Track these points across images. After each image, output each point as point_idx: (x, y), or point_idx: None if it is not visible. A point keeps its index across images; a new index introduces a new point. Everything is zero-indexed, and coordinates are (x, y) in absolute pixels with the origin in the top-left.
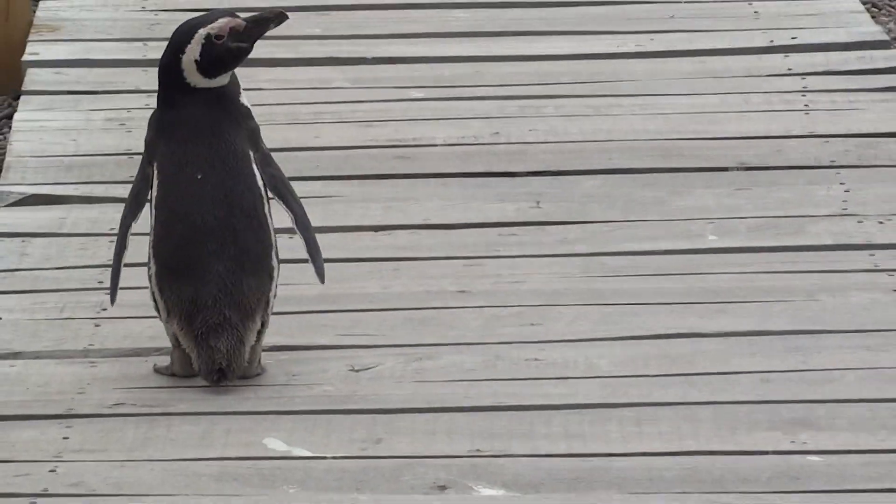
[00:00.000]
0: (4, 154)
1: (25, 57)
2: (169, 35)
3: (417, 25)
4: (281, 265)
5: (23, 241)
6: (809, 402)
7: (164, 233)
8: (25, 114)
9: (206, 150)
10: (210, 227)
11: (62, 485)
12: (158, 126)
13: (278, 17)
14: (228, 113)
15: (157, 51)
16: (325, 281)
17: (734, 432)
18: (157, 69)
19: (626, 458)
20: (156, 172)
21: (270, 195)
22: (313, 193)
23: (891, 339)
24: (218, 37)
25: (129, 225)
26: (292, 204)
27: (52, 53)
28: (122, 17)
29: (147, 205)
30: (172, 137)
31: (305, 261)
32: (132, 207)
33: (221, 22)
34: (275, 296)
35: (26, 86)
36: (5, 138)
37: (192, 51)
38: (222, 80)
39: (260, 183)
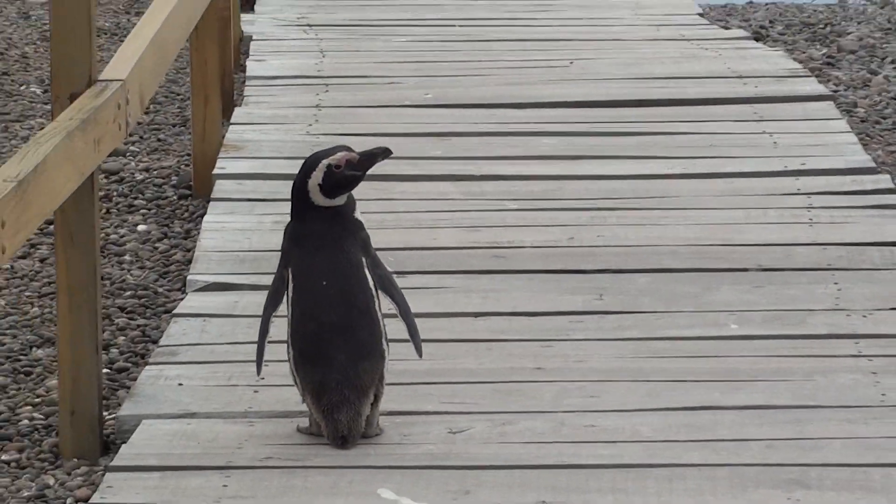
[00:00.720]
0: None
1: (215, 170)
2: None
3: (515, 150)
4: (395, 345)
5: (203, 321)
6: (804, 466)
7: (298, 328)
8: (212, 216)
9: (328, 259)
10: (333, 324)
11: None
12: (291, 236)
13: (384, 152)
14: (345, 227)
15: None
16: (424, 356)
17: (745, 490)
18: None
19: None
20: (290, 276)
21: (380, 292)
22: (428, 285)
23: (869, 413)
24: (337, 166)
25: (270, 315)
26: (397, 297)
27: (236, 168)
28: (291, 139)
29: (284, 299)
30: (302, 247)
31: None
32: (272, 301)
33: (340, 155)
34: (387, 371)
35: (214, 194)
36: (197, 234)
37: (317, 177)
38: (340, 200)
39: (371, 284)
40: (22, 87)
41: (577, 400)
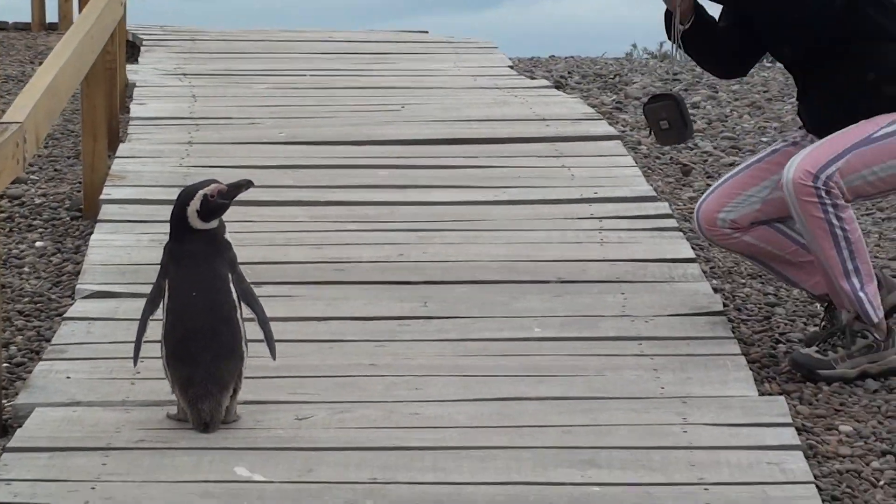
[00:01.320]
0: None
1: (102, 196)
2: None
3: (354, 180)
4: (254, 345)
5: (89, 324)
6: (596, 448)
7: (170, 331)
8: (99, 235)
9: (199, 274)
10: (199, 329)
11: (100, 498)
12: (170, 253)
13: (248, 183)
14: (215, 247)
15: None
16: (277, 358)
17: (545, 469)
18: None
19: (473, 486)
20: (167, 287)
21: (242, 303)
22: (280, 293)
23: (650, 403)
24: (211, 196)
25: (147, 318)
26: (256, 308)
27: (120, 194)
28: (166, 170)
29: (160, 306)
30: (178, 263)
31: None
32: (150, 307)
33: (213, 186)
34: (245, 368)
35: (101, 216)
36: (86, 250)
37: (194, 204)
38: (213, 224)
39: (234, 296)
40: None
41: (404, 392)
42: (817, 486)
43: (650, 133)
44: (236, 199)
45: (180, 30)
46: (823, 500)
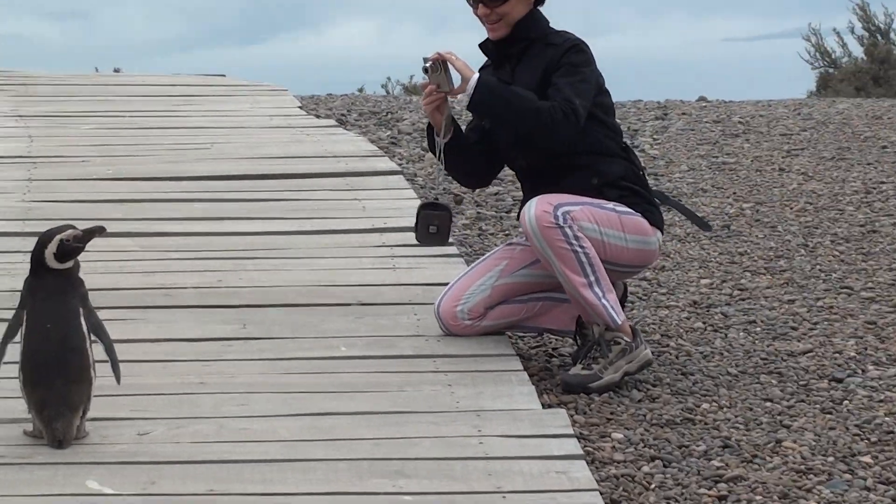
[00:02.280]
0: None
1: None
2: (37, 217)
3: (175, 212)
4: (102, 366)
5: None
6: (403, 460)
7: (26, 359)
8: None
9: (53, 308)
10: (53, 357)
11: None
12: (28, 288)
13: (101, 230)
14: (70, 284)
15: (31, 225)
16: (121, 380)
17: (361, 479)
18: (31, 239)
19: (298, 496)
20: (25, 318)
21: (92, 334)
22: (116, 317)
23: (448, 416)
24: (67, 240)
25: (6, 344)
26: (103, 338)
27: None
28: (11, 204)
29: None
30: (35, 297)
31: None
32: (9, 334)
33: (69, 232)
34: (93, 392)
35: None
36: None
37: (51, 248)
38: (69, 264)
39: (84, 329)
40: None
41: (232, 407)
42: (599, 491)
43: (415, 231)
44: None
45: (13, 74)
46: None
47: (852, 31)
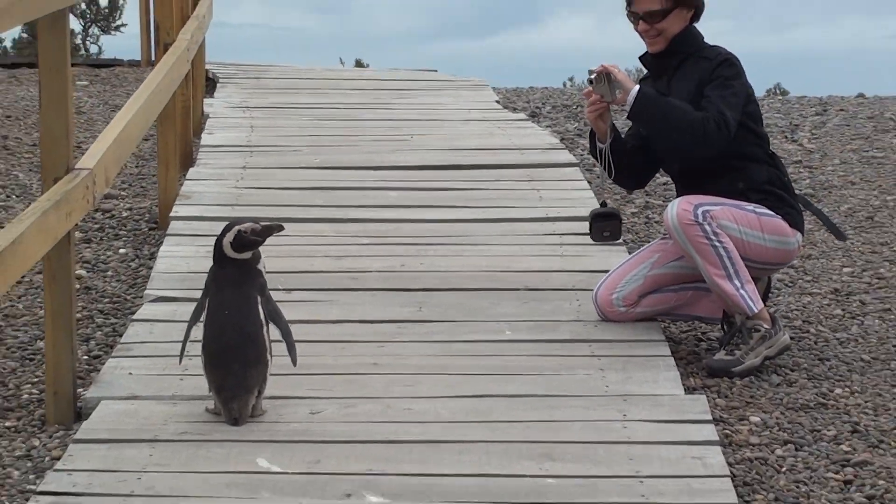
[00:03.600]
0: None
1: (171, 214)
2: (245, 203)
3: (368, 200)
4: (280, 347)
5: (151, 325)
6: (552, 443)
7: (207, 342)
8: (166, 248)
9: (232, 296)
10: (231, 342)
11: (143, 488)
12: (211, 277)
13: (279, 227)
14: (249, 273)
15: (240, 211)
16: (299, 361)
17: (510, 461)
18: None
19: (450, 477)
20: (207, 305)
21: (269, 321)
22: (306, 299)
23: (596, 401)
24: (244, 232)
25: (192, 326)
26: (280, 325)
27: (186, 212)
28: (224, 190)
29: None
30: (217, 285)
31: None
32: (194, 318)
33: (247, 224)
34: (270, 374)
35: (169, 231)
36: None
37: (229, 237)
38: (246, 255)
39: (262, 316)
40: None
41: (400, 388)
42: (732, 475)
43: (590, 234)
44: (268, 217)
45: (248, 68)
46: (736, 486)
47: None
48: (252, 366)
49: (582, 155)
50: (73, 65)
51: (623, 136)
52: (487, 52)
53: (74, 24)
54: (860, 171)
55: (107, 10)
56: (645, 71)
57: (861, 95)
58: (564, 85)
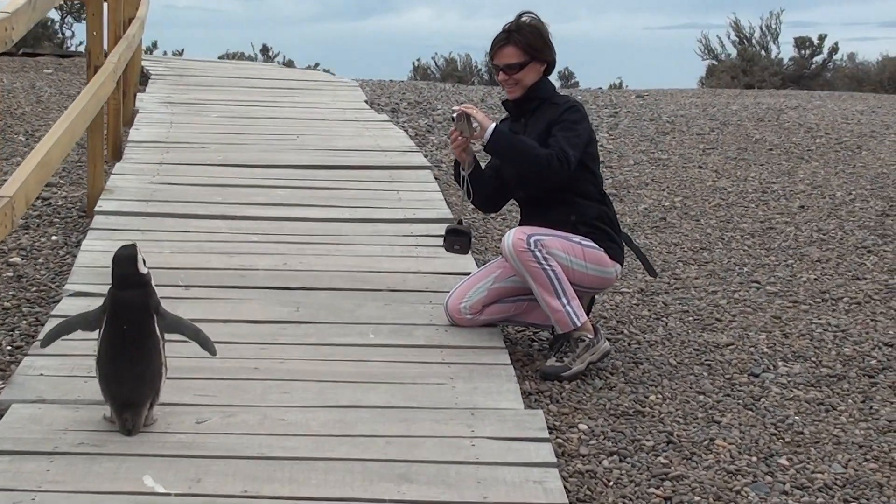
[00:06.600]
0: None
1: (96, 208)
2: (160, 198)
3: (260, 198)
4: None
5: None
6: (409, 462)
7: (102, 356)
8: (88, 241)
9: (130, 323)
10: (127, 356)
11: None
12: (111, 299)
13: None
14: (145, 292)
15: (156, 205)
16: (190, 359)
17: (371, 483)
18: (151, 219)
19: (317, 501)
20: (105, 319)
21: (166, 333)
22: (199, 296)
23: (447, 414)
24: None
25: (72, 326)
26: (185, 331)
27: (107, 206)
28: (142, 186)
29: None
30: (114, 309)
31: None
32: (85, 325)
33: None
34: (162, 387)
35: (91, 225)
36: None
37: (141, 256)
38: (144, 271)
39: (157, 331)
40: None
41: (276, 395)
42: (567, 489)
43: (444, 245)
44: (173, 211)
45: (174, 64)
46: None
47: (728, 37)
48: (146, 380)
49: (432, 151)
50: (41, 55)
51: (483, 167)
52: (359, 33)
53: (53, 14)
54: (651, 171)
55: (79, 4)
56: (506, 113)
57: (640, 96)
58: (418, 61)
